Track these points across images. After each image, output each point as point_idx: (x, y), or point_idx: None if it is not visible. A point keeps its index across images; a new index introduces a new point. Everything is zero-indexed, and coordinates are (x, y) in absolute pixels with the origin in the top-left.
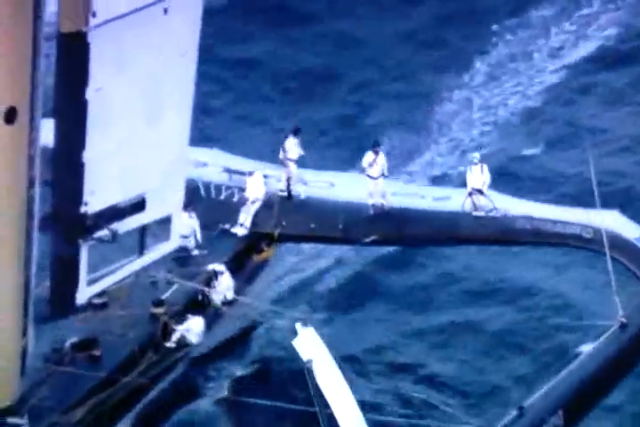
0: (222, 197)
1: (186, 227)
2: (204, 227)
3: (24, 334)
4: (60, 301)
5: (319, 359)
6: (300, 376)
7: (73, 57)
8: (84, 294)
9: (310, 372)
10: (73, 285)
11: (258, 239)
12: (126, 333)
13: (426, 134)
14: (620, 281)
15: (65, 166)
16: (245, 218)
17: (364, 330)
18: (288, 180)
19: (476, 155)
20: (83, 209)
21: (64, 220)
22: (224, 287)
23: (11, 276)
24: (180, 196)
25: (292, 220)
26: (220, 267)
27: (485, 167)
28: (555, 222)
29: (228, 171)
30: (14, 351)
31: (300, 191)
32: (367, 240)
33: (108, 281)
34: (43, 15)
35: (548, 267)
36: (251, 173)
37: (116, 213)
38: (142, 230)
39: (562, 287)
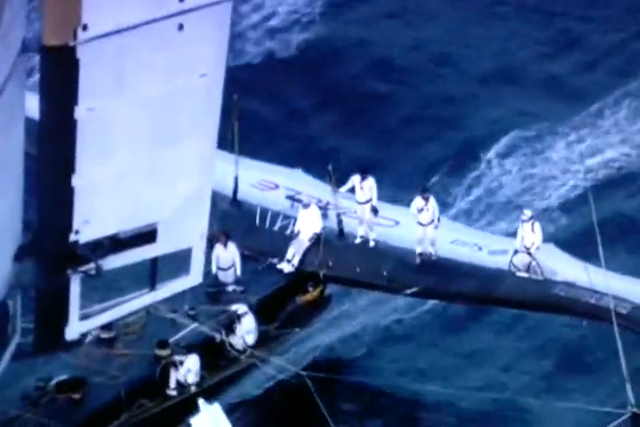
0: (276, 228)
1: (224, 259)
2: (250, 259)
3: None
4: (45, 336)
5: None
6: None
7: (58, 73)
8: (75, 329)
9: None
10: (60, 319)
11: (303, 279)
12: (120, 375)
13: None
14: None
15: (51, 191)
16: (294, 254)
17: None
18: (339, 215)
19: (528, 212)
20: (72, 238)
21: (49, 249)
22: (244, 331)
23: None
24: (202, 227)
25: (340, 260)
26: (242, 308)
27: (537, 226)
28: (592, 292)
29: (291, 198)
30: None
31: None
32: (408, 292)
33: (110, 316)
34: None
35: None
36: (306, 206)
37: (117, 243)
38: (153, 263)
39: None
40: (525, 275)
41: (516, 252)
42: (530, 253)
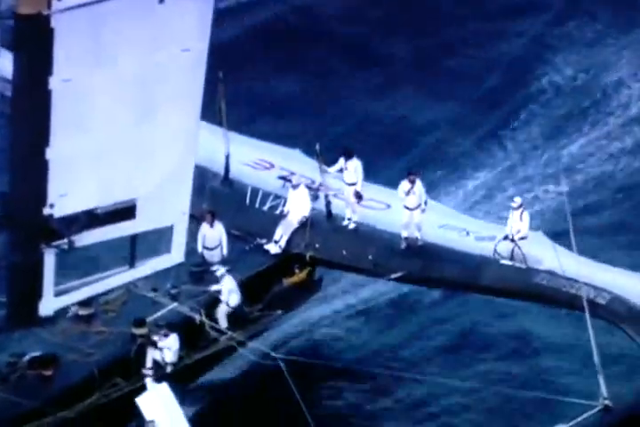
0: (266, 208)
1: (210, 238)
2: (238, 239)
3: None
4: (18, 311)
5: (166, 421)
6: None
7: (32, 42)
8: (50, 304)
9: None
10: (33, 294)
11: (290, 260)
12: (94, 352)
13: None
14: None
15: (24, 163)
16: (281, 235)
17: None
18: (327, 197)
19: (517, 199)
20: (46, 211)
21: (22, 222)
22: (227, 291)
23: None
24: (184, 204)
25: (327, 243)
26: (221, 270)
27: (526, 215)
28: (573, 282)
29: (283, 178)
30: None
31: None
32: (392, 277)
33: (87, 292)
34: None
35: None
36: (295, 186)
37: (94, 218)
38: (133, 240)
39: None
40: (509, 262)
41: (505, 238)
42: (513, 241)
